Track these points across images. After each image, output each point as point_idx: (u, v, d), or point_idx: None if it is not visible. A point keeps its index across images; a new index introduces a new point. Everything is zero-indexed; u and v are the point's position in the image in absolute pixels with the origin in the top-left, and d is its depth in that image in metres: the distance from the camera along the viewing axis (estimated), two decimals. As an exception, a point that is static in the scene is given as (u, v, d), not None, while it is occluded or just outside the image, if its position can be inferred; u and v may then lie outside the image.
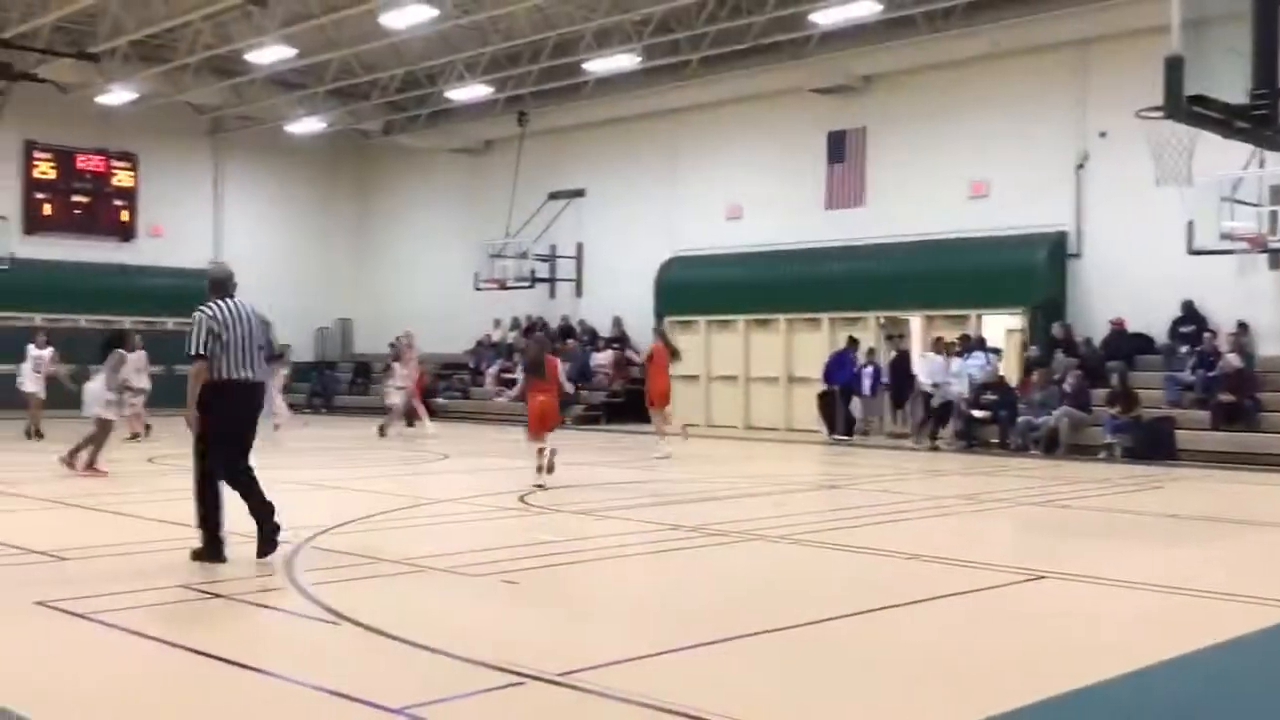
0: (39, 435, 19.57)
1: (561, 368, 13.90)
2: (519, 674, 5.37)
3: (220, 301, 8.35)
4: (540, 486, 12.62)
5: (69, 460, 14.07)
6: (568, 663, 5.53)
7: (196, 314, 8.26)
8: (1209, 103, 9.18)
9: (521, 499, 12.09)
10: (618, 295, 27.47)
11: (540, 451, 12.88)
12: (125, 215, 29.93)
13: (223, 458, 8.22)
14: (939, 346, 20.75)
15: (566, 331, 28.24)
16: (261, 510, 8.19)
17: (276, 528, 8.21)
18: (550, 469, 12.83)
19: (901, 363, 21.86)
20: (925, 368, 20.40)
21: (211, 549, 8.10)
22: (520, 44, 24.41)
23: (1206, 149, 16.08)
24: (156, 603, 6.96)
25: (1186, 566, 8.79)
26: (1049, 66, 21.53)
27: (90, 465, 14.01)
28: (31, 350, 20.21)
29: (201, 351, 8.13)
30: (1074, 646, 6.28)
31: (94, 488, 12.91)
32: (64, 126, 28.47)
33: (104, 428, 14.12)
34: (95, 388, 14.47)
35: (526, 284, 27.82)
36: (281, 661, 5.62)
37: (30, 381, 19.98)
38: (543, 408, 13.08)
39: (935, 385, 19.99)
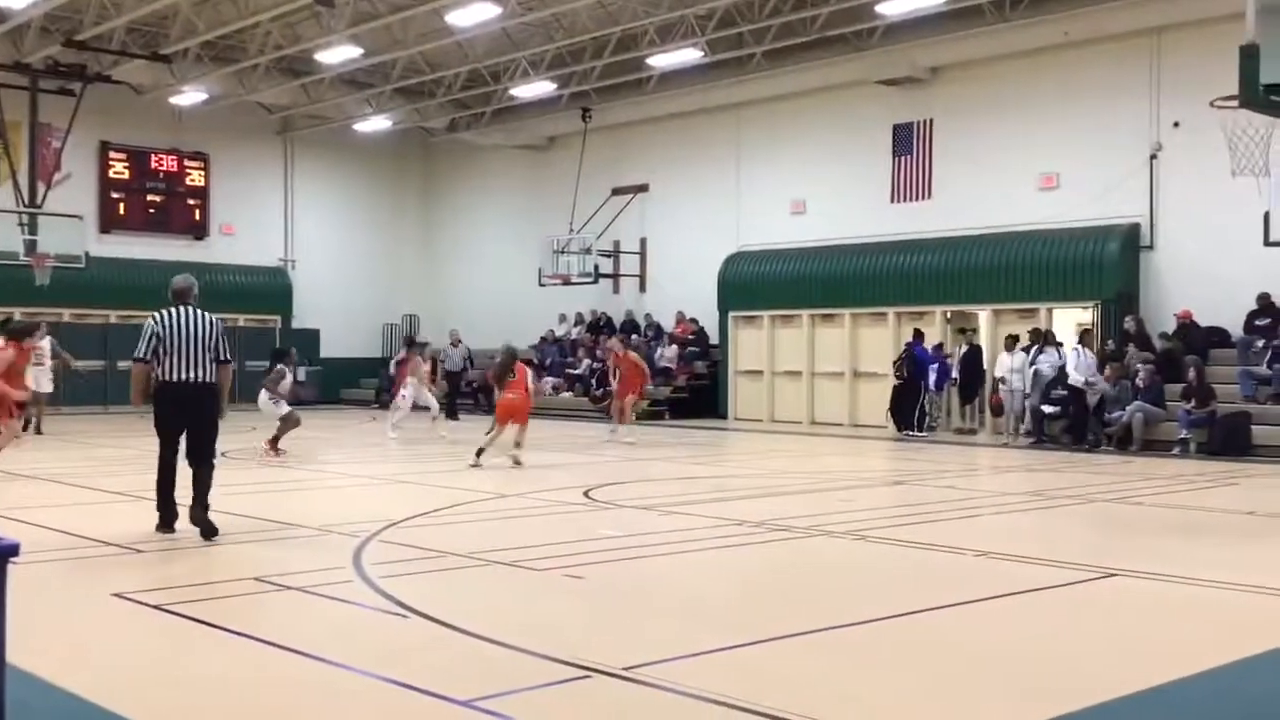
0: (38, 430, 19.24)
1: (529, 374, 16.38)
2: (584, 668, 5.40)
3: (174, 309, 9.16)
4: (477, 466, 14.65)
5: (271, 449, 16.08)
6: (632, 657, 5.55)
7: (146, 321, 9.15)
8: (1287, 91, 8.97)
9: (586, 494, 12.13)
10: (682, 290, 27.47)
11: (491, 435, 15.51)
12: (198, 214, 30.47)
13: (166, 446, 9.19)
14: (1086, 340, 19.84)
15: (630, 327, 28.30)
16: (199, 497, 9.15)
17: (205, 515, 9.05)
18: (517, 462, 14.96)
19: (973, 357, 21.46)
20: (1078, 363, 19.29)
21: (163, 520, 9.24)
22: (583, 40, 24.47)
23: (1284, 138, 15.80)
24: (228, 595, 7.09)
25: (1261, 565, 8.61)
26: (1121, 56, 21.14)
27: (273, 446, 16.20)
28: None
29: (143, 356, 9.05)
30: (1144, 645, 6.18)
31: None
32: (138, 127, 29.05)
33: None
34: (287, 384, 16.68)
35: (590, 279, 27.89)
36: (350, 653, 5.69)
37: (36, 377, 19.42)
38: (511, 405, 15.54)
39: (1089, 383, 19.03)
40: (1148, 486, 13.70)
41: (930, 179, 23.80)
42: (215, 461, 9.31)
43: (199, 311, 9.20)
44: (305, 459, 16.10)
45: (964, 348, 21.79)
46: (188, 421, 9.12)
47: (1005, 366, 20.33)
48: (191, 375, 9.02)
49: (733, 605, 7.26)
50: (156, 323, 9.07)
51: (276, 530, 9.65)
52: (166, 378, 9.05)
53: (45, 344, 19.95)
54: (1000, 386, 20.38)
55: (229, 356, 9.39)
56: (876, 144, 24.42)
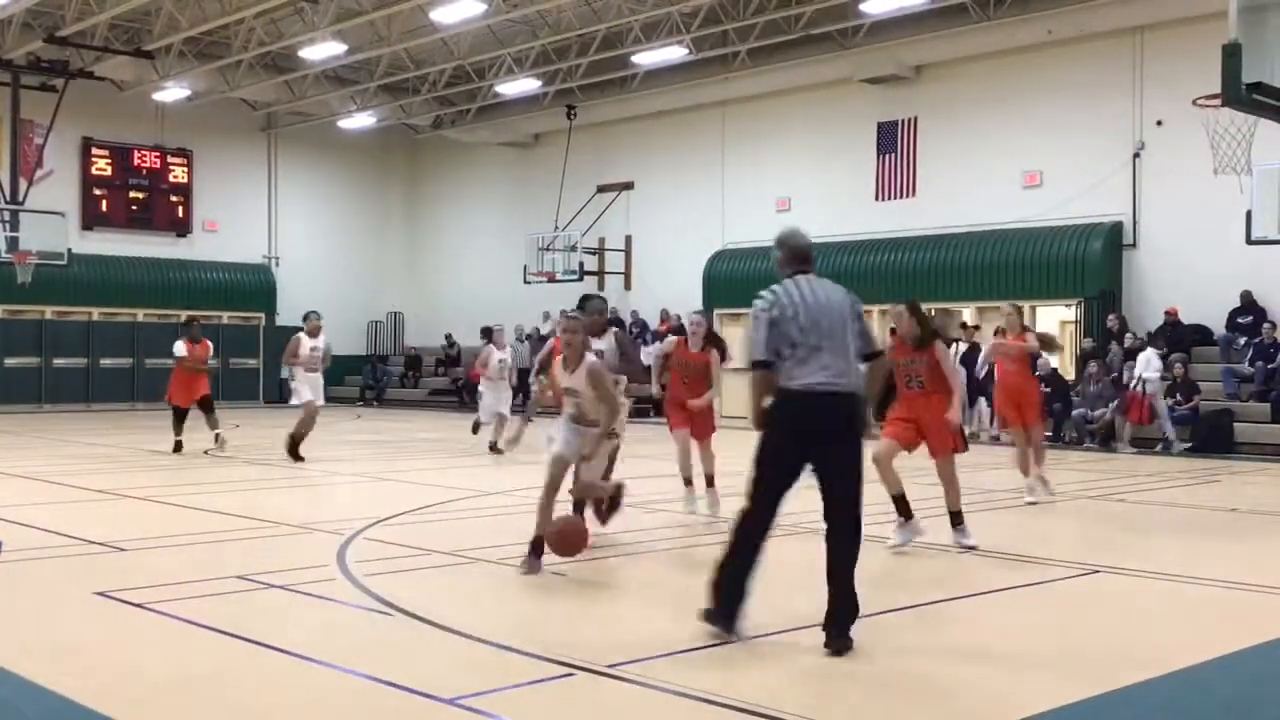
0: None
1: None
2: (569, 665, 5.39)
3: (795, 279, 6.14)
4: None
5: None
6: (617, 654, 5.55)
7: (757, 304, 6.02)
8: (1268, 90, 9.01)
9: (570, 491, 12.10)
10: (667, 288, 27.48)
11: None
12: (180, 211, 30.34)
13: (767, 493, 6.00)
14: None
15: (616, 323, 28.29)
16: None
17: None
18: None
19: (972, 355, 20.95)
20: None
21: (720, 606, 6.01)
22: (568, 37, 24.46)
23: (1266, 137, 15.89)
24: (212, 593, 7.06)
25: (1244, 561, 8.65)
26: (1104, 54, 21.23)
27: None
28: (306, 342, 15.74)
29: (766, 357, 5.93)
30: (1128, 642, 6.20)
31: (148, 479, 13.10)
32: (120, 123, 28.92)
33: None
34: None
35: (575, 277, 27.89)
36: (335, 652, 5.67)
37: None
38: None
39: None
40: (1130, 484, 13.76)
41: (915, 177, 23.86)
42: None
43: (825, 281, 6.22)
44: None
45: (964, 345, 21.16)
46: (823, 454, 5.87)
47: (1152, 366, 18.37)
48: (835, 379, 5.90)
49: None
50: (770, 303, 5.96)
51: (260, 528, 9.61)
52: (783, 384, 5.91)
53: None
54: (1145, 388, 18.30)
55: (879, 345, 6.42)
56: (861, 142, 24.47)
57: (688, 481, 10.29)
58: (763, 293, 6.02)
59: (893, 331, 12.72)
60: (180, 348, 16.57)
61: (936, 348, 8.96)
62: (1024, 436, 11.94)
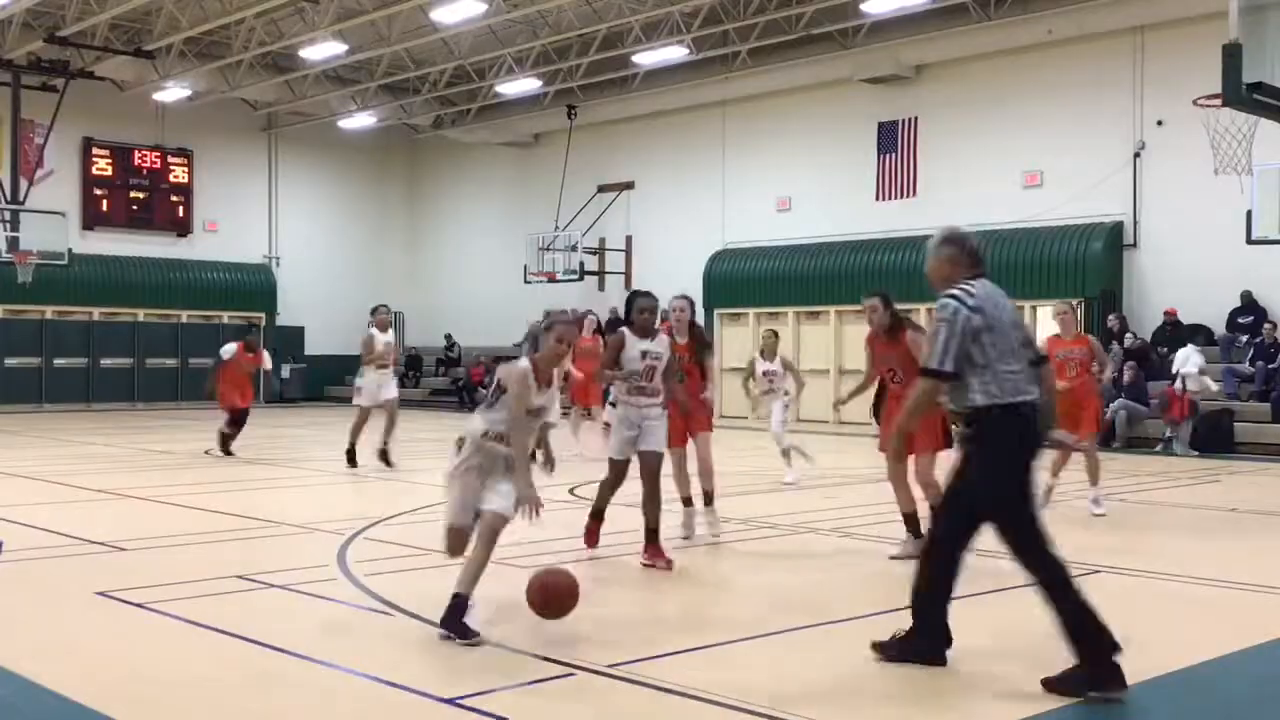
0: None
1: None
2: (569, 665, 5.40)
3: (978, 281, 5.49)
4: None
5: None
6: (617, 654, 5.55)
7: (947, 304, 5.35)
8: (1268, 90, 9.02)
9: (571, 491, 12.12)
10: (667, 287, 27.38)
11: None
12: (181, 210, 30.36)
13: (969, 521, 5.72)
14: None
15: (616, 323, 28.28)
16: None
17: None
18: None
19: None
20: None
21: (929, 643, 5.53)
22: (569, 37, 24.47)
23: (1266, 137, 15.89)
24: (213, 593, 7.06)
25: (1244, 561, 8.65)
26: (1104, 54, 21.23)
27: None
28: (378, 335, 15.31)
29: (947, 367, 5.29)
30: (1128, 641, 6.19)
31: (148, 479, 13.11)
32: (121, 123, 28.93)
33: None
34: None
35: (575, 277, 27.91)
36: (334, 651, 5.68)
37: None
38: None
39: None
40: (1131, 483, 13.75)
41: (915, 177, 23.86)
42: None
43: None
44: (291, 456, 16.04)
45: None
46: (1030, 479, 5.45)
47: (1191, 362, 18.11)
48: (1033, 393, 5.37)
49: (717, 602, 7.26)
50: (975, 308, 5.30)
51: (260, 528, 9.62)
52: (1006, 397, 5.27)
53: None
54: (1187, 384, 17.94)
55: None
56: (861, 142, 24.47)
57: (687, 501, 9.31)
58: (955, 292, 5.33)
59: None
60: (231, 349, 16.07)
61: (906, 336, 8.64)
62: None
